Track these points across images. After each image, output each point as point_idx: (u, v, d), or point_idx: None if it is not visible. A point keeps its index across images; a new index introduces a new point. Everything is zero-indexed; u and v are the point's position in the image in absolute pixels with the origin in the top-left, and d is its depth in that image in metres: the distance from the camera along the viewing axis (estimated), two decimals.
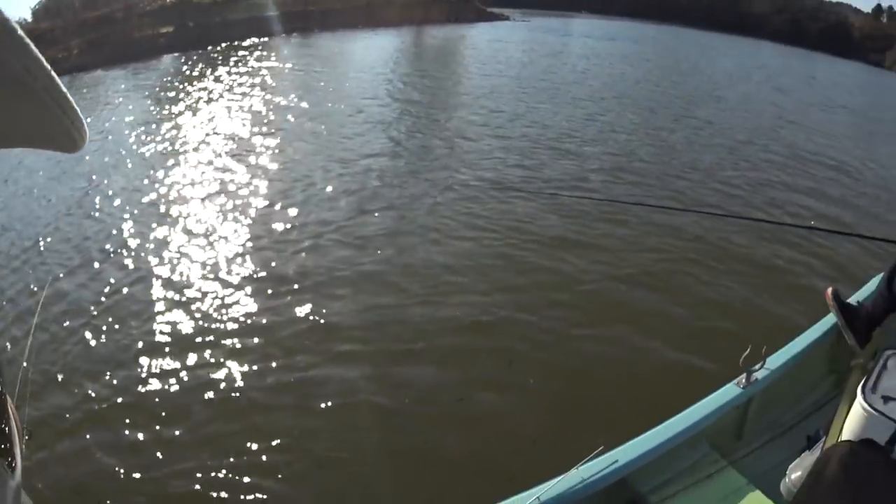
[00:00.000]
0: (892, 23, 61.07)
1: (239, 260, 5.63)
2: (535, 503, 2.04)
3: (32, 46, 0.41)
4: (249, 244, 5.94)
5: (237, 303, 4.95)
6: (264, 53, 15.54)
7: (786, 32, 58.14)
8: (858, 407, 2.03)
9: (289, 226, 6.34)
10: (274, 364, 4.25)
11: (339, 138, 8.90)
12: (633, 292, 5.60)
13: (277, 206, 6.78)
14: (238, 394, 3.96)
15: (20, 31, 0.39)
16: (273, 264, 5.56)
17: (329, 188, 7.32)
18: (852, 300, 3.39)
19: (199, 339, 4.46)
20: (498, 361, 4.47)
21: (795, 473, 2.36)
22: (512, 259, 6.06)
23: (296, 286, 5.19)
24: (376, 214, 6.65)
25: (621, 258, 6.28)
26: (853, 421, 2.06)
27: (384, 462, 3.54)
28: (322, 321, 4.74)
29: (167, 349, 4.35)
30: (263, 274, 5.39)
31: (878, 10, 64.67)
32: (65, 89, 0.46)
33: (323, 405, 3.92)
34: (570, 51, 22.87)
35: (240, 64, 15.83)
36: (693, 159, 10.45)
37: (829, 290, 3.25)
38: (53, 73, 0.44)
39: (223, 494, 3.29)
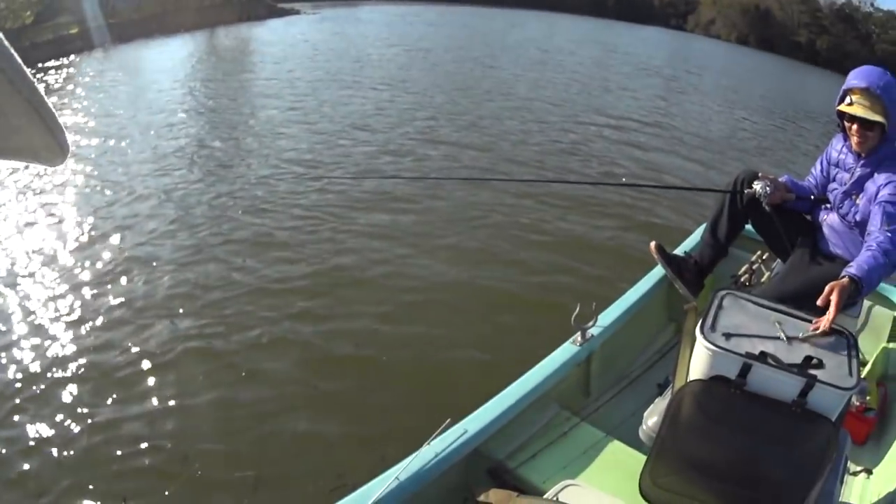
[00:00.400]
0: None
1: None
2: (395, 484, 2.02)
3: (16, 56, 0.41)
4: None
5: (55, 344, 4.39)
6: (69, 72, 15.31)
7: (587, 4, 59.14)
8: (701, 347, 2.08)
9: (108, 254, 5.68)
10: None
11: (141, 150, 8.63)
12: (459, 267, 5.65)
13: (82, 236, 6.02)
14: None
15: (5, 41, 0.40)
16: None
17: (133, 205, 6.77)
18: (679, 251, 3.47)
19: None
20: (343, 343, 4.47)
21: (652, 419, 2.43)
22: (334, 241, 6.08)
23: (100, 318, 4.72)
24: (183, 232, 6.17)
25: (439, 232, 6.33)
26: (699, 361, 2.11)
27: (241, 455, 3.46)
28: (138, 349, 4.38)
29: None
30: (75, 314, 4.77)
31: None
32: (47, 100, 0.46)
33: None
34: (364, 38, 23.71)
35: (47, 89, 14.19)
36: (502, 131, 10.70)
37: (653, 243, 3.31)
38: (36, 84, 0.44)
39: None
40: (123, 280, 5.27)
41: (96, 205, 6.84)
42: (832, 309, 2.16)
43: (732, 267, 3.67)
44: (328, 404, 3.90)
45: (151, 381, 4.09)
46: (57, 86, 13.52)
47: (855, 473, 2.76)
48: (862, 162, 2.73)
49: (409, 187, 7.43)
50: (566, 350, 2.73)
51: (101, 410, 3.80)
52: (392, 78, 15.23)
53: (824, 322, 2.14)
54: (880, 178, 2.62)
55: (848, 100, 2.63)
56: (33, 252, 5.64)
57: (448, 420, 2.24)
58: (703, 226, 3.29)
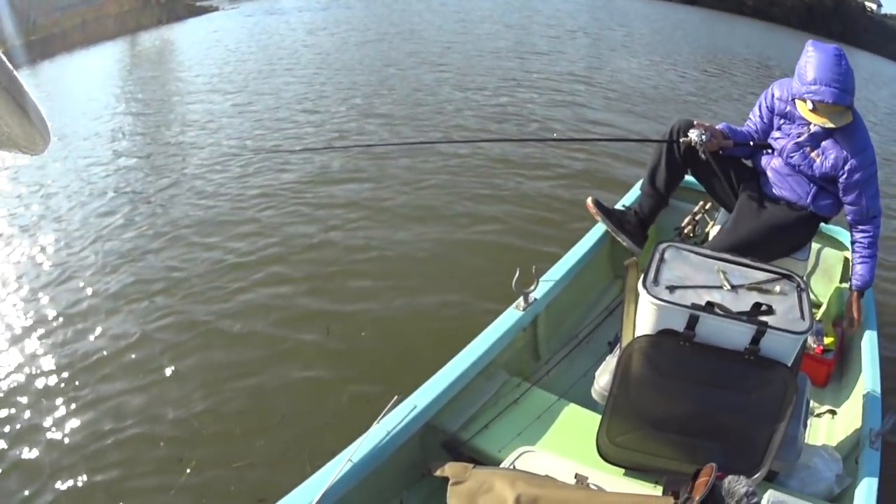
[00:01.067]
0: None
1: None
2: (349, 466, 1.99)
3: None
4: None
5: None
6: None
7: None
8: (645, 302, 2.08)
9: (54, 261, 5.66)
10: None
11: (84, 156, 8.71)
12: (401, 232, 5.68)
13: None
14: None
15: None
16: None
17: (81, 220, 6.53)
18: (619, 206, 3.45)
19: None
20: (312, 328, 4.41)
21: (603, 378, 2.40)
22: (289, 214, 6.25)
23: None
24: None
25: (386, 200, 6.43)
26: (644, 317, 2.11)
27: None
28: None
29: None
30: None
31: None
32: (27, 89, 0.47)
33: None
34: (287, 28, 23.84)
35: None
36: (441, 100, 10.78)
37: (589, 199, 3.29)
38: (16, 73, 0.45)
39: None
40: (83, 278, 5.35)
41: (48, 212, 6.90)
42: (856, 317, 2.77)
43: (675, 219, 3.63)
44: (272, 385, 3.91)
45: (134, 356, 4.26)
46: None
47: (819, 415, 2.76)
48: None
49: (356, 158, 7.59)
50: (510, 316, 2.69)
51: (86, 392, 3.93)
52: (323, 61, 15.46)
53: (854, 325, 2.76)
54: (845, 145, 2.62)
55: (810, 104, 2.58)
56: None
57: (396, 396, 2.21)
58: (643, 179, 3.25)
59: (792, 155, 2.78)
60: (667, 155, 2.99)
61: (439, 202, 6.41)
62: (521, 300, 2.72)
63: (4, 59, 0.41)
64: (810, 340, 2.89)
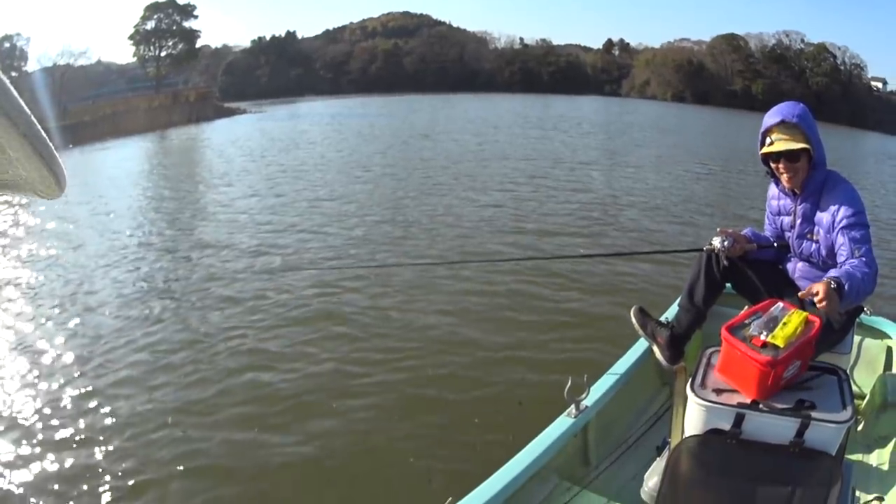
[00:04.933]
0: (623, 53, 65.49)
1: None
2: None
3: (13, 90, 0.42)
4: None
5: None
6: None
7: (519, 82, 61.73)
8: (693, 405, 2.10)
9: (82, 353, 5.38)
10: None
11: (100, 267, 8.17)
12: (446, 353, 5.43)
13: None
14: None
15: (1, 75, 0.41)
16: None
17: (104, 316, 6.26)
18: (663, 318, 3.35)
19: None
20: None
21: (652, 479, 2.39)
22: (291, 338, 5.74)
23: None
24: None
25: (421, 319, 6.10)
26: (692, 418, 2.13)
27: None
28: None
29: None
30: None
31: (608, 44, 69.05)
32: (44, 135, 0.47)
33: None
34: (306, 131, 24.95)
35: None
36: (449, 212, 10.63)
37: (633, 309, 3.23)
38: (33, 119, 0.45)
39: None
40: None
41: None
42: (822, 294, 2.08)
43: (721, 325, 3.55)
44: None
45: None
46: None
47: (866, 503, 2.68)
48: (800, 199, 2.69)
49: (380, 274, 7.33)
50: (562, 423, 2.68)
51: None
52: (344, 163, 16.08)
53: (820, 296, 2.08)
54: (828, 205, 2.57)
55: (767, 141, 2.61)
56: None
57: (449, 500, 2.17)
58: (681, 294, 3.18)
59: (802, 252, 2.77)
60: (705, 268, 2.93)
61: (480, 316, 6.19)
62: (572, 408, 2.73)
63: (22, 103, 0.43)
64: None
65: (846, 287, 2.18)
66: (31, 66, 40.64)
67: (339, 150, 18.65)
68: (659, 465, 2.43)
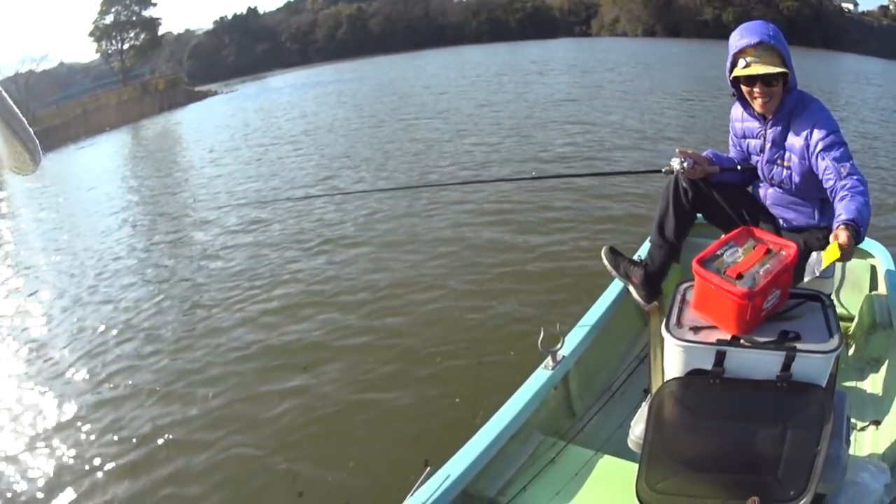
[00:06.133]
0: None
1: None
2: None
3: None
4: None
5: None
6: None
7: (486, 32, 60.30)
8: (670, 345, 2.06)
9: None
10: None
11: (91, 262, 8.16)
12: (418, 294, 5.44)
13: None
14: None
15: None
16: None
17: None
18: (636, 256, 3.28)
19: None
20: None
21: (638, 426, 2.35)
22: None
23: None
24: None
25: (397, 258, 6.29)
26: (672, 360, 2.09)
27: None
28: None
29: None
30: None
31: None
32: (17, 110, 0.47)
33: None
34: (282, 103, 24.82)
35: None
36: (429, 152, 11.40)
37: (604, 249, 3.15)
38: (5, 94, 0.45)
39: None
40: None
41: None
42: (844, 242, 2.03)
43: (695, 256, 3.81)
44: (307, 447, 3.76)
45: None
46: None
47: (863, 429, 2.67)
48: (770, 122, 2.59)
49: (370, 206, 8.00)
50: (539, 376, 2.62)
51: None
52: (330, 125, 16.35)
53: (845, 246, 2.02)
54: (800, 129, 2.50)
55: (742, 62, 2.47)
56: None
57: (429, 467, 2.13)
58: (652, 230, 3.11)
59: (773, 178, 2.70)
60: (673, 199, 2.88)
61: (454, 256, 6.28)
62: (549, 359, 2.67)
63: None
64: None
65: (862, 230, 2.15)
66: None
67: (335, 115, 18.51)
68: (644, 410, 2.35)
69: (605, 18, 58.90)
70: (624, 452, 2.40)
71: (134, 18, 47.23)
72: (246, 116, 22.56)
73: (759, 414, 2.00)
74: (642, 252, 3.34)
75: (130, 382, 4.75)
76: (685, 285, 2.28)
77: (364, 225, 7.50)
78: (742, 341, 1.99)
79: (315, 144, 14.01)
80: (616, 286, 3.20)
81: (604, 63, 27.85)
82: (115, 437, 4.04)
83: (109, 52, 46.69)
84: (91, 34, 46.60)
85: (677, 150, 2.79)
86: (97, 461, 3.81)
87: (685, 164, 2.74)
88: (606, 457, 2.44)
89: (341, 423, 3.88)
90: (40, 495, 3.59)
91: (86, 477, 3.68)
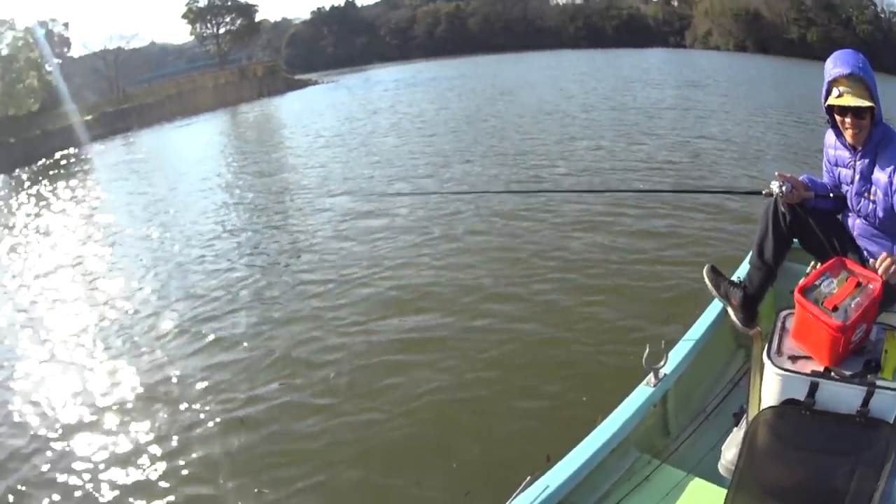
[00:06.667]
0: (682, 3, 64.11)
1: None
2: None
3: None
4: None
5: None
6: (88, 165, 15.30)
7: (584, 38, 61.04)
8: (769, 372, 2.10)
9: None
10: None
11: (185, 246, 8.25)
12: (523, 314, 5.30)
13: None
14: None
15: None
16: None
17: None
18: (734, 277, 3.30)
19: None
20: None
21: (730, 451, 2.38)
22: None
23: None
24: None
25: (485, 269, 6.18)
26: (769, 387, 2.13)
27: None
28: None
29: None
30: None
31: None
32: None
33: None
34: (381, 99, 24.15)
35: (68, 180, 14.32)
36: (535, 150, 11.59)
37: (706, 268, 3.21)
38: None
39: None
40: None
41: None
42: (887, 268, 2.14)
43: (791, 283, 3.19)
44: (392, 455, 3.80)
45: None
46: (80, 181, 13.72)
47: None
48: (859, 154, 2.57)
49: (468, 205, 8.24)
50: (641, 392, 2.66)
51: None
52: (444, 120, 16.39)
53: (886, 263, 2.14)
54: (886, 165, 2.49)
55: (835, 92, 2.48)
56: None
57: (528, 476, 2.19)
58: (751, 252, 3.12)
59: (860, 210, 2.67)
60: (773, 225, 2.86)
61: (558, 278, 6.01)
62: (651, 376, 2.67)
63: None
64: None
65: None
66: (77, 51, 40.49)
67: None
68: (736, 435, 2.44)
69: (699, 31, 59.45)
70: (713, 476, 2.45)
71: (229, 3, 46.57)
72: (350, 108, 22.40)
73: (838, 448, 2.04)
74: (740, 273, 3.38)
75: (247, 344, 5.19)
76: (785, 313, 2.33)
77: (486, 217, 7.80)
78: (833, 374, 2.04)
79: (430, 138, 14.26)
80: (715, 306, 3.21)
81: (702, 76, 27.89)
82: (225, 397, 4.43)
83: (205, 34, 46.21)
84: (184, 16, 46.05)
85: (776, 174, 2.84)
86: (210, 416, 4.23)
87: (784, 188, 2.75)
88: (697, 479, 2.47)
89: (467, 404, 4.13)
90: (160, 442, 3.96)
91: (198, 427, 4.12)
